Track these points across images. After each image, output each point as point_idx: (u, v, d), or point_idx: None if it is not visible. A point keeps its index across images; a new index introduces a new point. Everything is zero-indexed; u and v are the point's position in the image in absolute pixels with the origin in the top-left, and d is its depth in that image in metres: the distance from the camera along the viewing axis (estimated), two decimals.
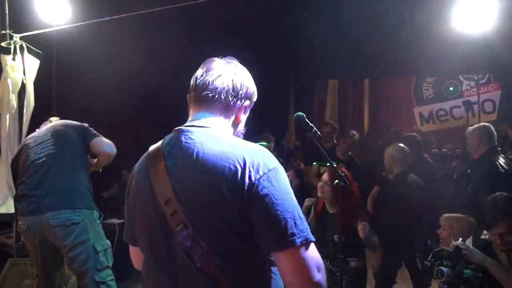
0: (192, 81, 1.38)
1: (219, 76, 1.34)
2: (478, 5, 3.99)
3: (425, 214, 3.87)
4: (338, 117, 9.42)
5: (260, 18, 6.11)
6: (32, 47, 3.76)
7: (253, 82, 1.42)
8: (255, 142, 1.34)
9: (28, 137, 3.09)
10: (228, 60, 1.41)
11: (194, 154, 1.23)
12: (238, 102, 1.36)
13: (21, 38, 3.66)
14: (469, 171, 3.96)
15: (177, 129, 1.34)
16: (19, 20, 3.78)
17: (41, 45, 3.92)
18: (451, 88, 9.33)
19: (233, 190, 1.16)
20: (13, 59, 3.60)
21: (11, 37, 3.63)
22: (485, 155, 3.62)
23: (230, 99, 1.34)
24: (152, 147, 1.37)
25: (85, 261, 2.73)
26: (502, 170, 3.49)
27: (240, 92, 1.36)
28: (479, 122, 6.93)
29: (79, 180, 2.80)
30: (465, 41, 5.19)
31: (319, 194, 2.98)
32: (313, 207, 3.08)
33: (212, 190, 1.17)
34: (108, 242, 2.90)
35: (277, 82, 7.61)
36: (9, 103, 3.62)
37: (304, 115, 2.12)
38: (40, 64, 3.88)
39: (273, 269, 1.23)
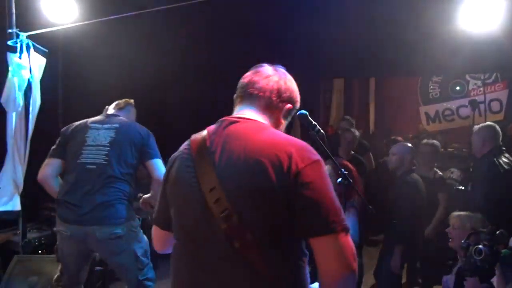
0: (239, 82, 1.49)
1: (266, 77, 1.46)
2: (485, 4, 3.97)
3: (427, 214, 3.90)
4: (344, 117, 9.39)
5: (265, 18, 6.12)
6: (38, 45, 3.79)
7: (298, 90, 1.53)
8: None
9: (89, 123, 3.00)
10: (276, 67, 1.52)
11: (241, 143, 1.29)
12: (281, 103, 1.45)
13: (27, 37, 3.68)
14: (471, 170, 3.93)
15: (222, 120, 1.41)
16: (25, 18, 3.80)
17: (47, 44, 3.94)
18: (457, 88, 9.28)
19: (280, 178, 1.22)
20: (20, 57, 3.63)
21: (18, 36, 3.65)
22: (487, 154, 3.61)
23: (274, 98, 1.44)
24: (195, 136, 1.43)
25: (129, 267, 2.88)
26: (501, 170, 3.46)
27: (284, 95, 1.46)
28: (485, 122, 6.90)
29: (125, 194, 2.83)
30: (472, 40, 5.15)
31: None
32: None
33: (258, 178, 1.23)
34: (146, 239, 2.97)
35: None
36: (16, 101, 3.64)
37: (307, 113, 2.12)
38: (47, 62, 3.90)
39: (304, 258, 1.31)
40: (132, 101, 3.31)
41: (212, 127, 1.41)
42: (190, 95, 5.68)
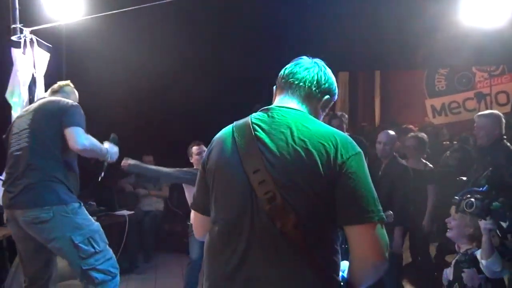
0: (281, 72, 1.53)
1: (306, 68, 1.48)
2: None
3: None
4: (349, 110, 9.35)
5: (269, 12, 6.09)
6: (42, 40, 3.80)
7: (336, 83, 1.55)
8: None
9: (18, 115, 2.98)
10: (316, 60, 1.54)
11: (288, 128, 1.34)
12: (320, 94, 1.48)
13: (31, 32, 3.70)
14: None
15: (267, 108, 1.45)
16: (29, 14, 3.82)
17: (50, 39, 3.96)
18: (464, 80, 9.19)
19: (325, 166, 1.27)
20: (24, 52, 3.65)
21: (21, 31, 3.67)
22: (500, 140, 3.59)
23: (313, 89, 1.47)
24: (238, 121, 1.47)
25: (67, 254, 2.72)
26: None
27: (323, 86, 1.48)
28: None
29: (52, 174, 2.67)
30: (478, 32, 5.10)
31: None
32: None
33: (306, 164, 1.28)
34: (94, 228, 2.80)
35: None
36: (20, 96, 3.67)
37: None
38: (50, 57, 3.92)
39: (338, 243, 1.37)
40: (67, 82, 3.16)
41: (256, 114, 1.45)
42: (195, 89, 5.67)
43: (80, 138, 2.69)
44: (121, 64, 5.02)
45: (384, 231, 1.30)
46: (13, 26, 3.66)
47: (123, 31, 4.81)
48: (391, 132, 3.97)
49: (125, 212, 5.07)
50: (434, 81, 9.58)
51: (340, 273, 1.38)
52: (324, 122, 1.53)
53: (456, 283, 2.52)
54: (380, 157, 3.93)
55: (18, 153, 2.75)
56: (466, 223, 2.72)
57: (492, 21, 4.27)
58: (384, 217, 1.29)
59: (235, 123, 1.47)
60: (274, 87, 1.55)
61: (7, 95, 3.72)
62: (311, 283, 1.28)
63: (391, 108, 10.07)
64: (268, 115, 1.41)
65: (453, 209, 2.93)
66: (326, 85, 1.49)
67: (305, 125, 1.35)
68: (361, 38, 6.50)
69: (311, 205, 1.28)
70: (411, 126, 6.48)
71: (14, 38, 3.62)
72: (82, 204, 2.81)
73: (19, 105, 3.68)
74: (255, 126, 1.38)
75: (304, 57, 1.55)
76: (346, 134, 1.39)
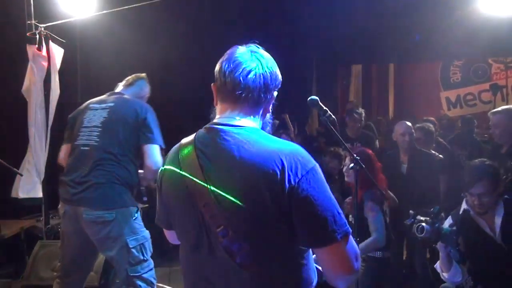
0: (218, 73, 1.33)
1: (249, 72, 1.29)
2: None
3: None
4: (363, 103, 9.29)
5: (283, 4, 6.07)
6: (56, 36, 3.87)
7: (278, 68, 1.38)
8: None
9: (90, 103, 2.89)
10: (252, 49, 1.35)
11: (231, 156, 1.23)
12: (269, 95, 1.34)
13: (45, 28, 3.77)
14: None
15: (209, 128, 1.32)
16: (43, 10, 3.88)
17: (65, 35, 4.02)
18: (479, 72, 9.05)
19: (274, 193, 1.18)
20: (39, 48, 3.72)
21: (36, 27, 3.74)
22: None
23: (262, 96, 1.32)
24: (184, 142, 1.36)
25: (118, 257, 2.72)
26: None
27: (271, 86, 1.33)
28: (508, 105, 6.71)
29: (118, 177, 2.69)
30: (494, 23, 5.02)
31: (346, 179, 3.01)
32: None
33: (252, 194, 1.20)
34: (146, 235, 2.80)
35: (300, 68, 7.55)
36: (36, 91, 3.74)
37: (318, 98, 2.11)
38: (64, 53, 3.99)
39: (306, 255, 1.30)
40: (143, 75, 3.11)
41: (200, 135, 1.34)
42: (205, 83, 5.69)
43: (157, 158, 2.71)
44: (133, 58, 5.06)
45: (351, 242, 1.24)
46: (28, 22, 3.72)
47: (136, 26, 4.85)
48: (408, 123, 3.95)
49: (140, 205, 5.13)
50: (449, 73, 9.45)
51: (320, 269, 1.35)
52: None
53: None
54: (405, 149, 3.87)
55: (85, 148, 2.72)
56: None
57: (508, 11, 4.19)
58: (348, 230, 1.22)
59: (180, 144, 1.36)
60: (212, 84, 1.36)
61: (23, 91, 3.81)
62: None
63: (406, 101, 9.98)
64: (212, 138, 1.29)
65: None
66: (273, 82, 1.34)
67: (249, 150, 1.23)
68: (374, 30, 6.45)
69: (264, 235, 1.22)
70: (432, 118, 6.31)
71: (29, 34, 3.69)
72: (139, 209, 2.84)
73: (34, 100, 3.77)
74: (199, 152, 1.29)
75: (239, 48, 1.35)
76: (296, 148, 1.26)
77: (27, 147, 3.88)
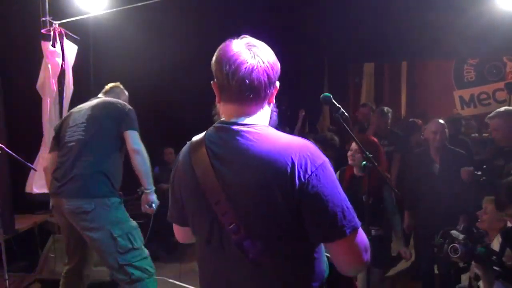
0: (219, 73, 1.30)
1: (252, 70, 1.27)
2: None
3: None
4: (374, 101, 9.22)
5: (294, 3, 6.05)
6: (70, 33, 3.90)
7: (274, 54, 1.35)
8: None
9: (73, 110, 3.10)
10: (247, 43, 1.32)
11: (242, 154, 1.25)
12: (272, 88, 1.34)
13: (60, 25, 3.80)
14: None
15: (219, 127, 1.33)
16: (57, 7, 3.92)
17: (78, 31, 4.05)
18: (494, 71, 8.92)
19: (284, 190, 1.20)
20: (53, 45, 3.75)
21: (51, 24, 3.78)
22: None
23: (267, 91, 1.32)
24: (194, 141, 1.37)
25: (103, 246, 2.79)
26: None
27: (273, 79, 1.33)
28: None
29: (100, 168, 2.80)
30: (510, 20, 4.95)
31: (350, 162, 3.09)
32: (338, 174, 3.16)
33: (263, 191, 1.21)
34: (132, 223, 2.91)
35: (311, 66, 7.52)
36: (50, 87, 3.78)
37: (331, 95, 2.10)
38: (78, 49, 4.02)
39: (317, 249, 1.32)
40: (117, 84, 3.32)
41: (210, 134, 1.35)
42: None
43: (137, 141, 2.89)
44: (146, 55, 5.09)
45: (360, 235, 1.26)
46: (43, 19, 3.77)
47: (149, 23, 4.87)
48: (441, 120, 3.86)
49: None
50: (463, 72, 9.32)
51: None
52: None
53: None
54: (437, 148, 3.73)
55: (71, 144, 2.87)
56: (498, 218, 2.67)
57: None
58: (357, 224, 1.24)
59: (191, 144, 1.38)
60: (212, 83, 1.35)
61: (38, 87, 3.85)
62: None
63: (418, 100, 9.88)
64: (221, 138, 1.30)
65: (486, 202, 2.87)
66: (276, 74, 1.33)
67: (259, 149, 1.24)
68: (387, 28, 6.39)
69: (276, 232, 1.24)
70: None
71: (44, 31, 3.72)
72: (122, 200, 2.93)
73: (49, 96, 3.81)
74: (209, 151, 1.30)
75: (234, 43, 1.31)
76: (305, 144, 1.26)
77: (41, 142, 3.92)
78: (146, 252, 2.93)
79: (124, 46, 4.90)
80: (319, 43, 7.17)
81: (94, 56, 4.67)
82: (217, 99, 1.38)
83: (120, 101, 3.07)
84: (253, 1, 5.49)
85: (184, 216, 1.44)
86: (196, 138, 1.38)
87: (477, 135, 6.86)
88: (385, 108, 4.92)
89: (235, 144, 1.27)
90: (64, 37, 3.82)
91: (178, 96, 5.88)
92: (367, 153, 2.33)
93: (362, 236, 1.27)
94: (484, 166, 3.52)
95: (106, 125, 2.89)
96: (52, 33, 3.74)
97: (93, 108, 2.96)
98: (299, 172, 1.20)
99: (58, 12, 3.88)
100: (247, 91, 1.29)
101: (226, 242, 1.28)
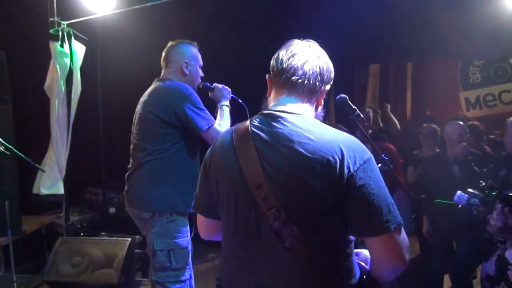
0: (274, 63, 1.38)
1: (307, 61, 1.35)
2: None
3: None
4: (380, 102, 9.20)
5: (299, 4, 6.03)
6: (78, 33, 3.89)
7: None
8: None
9: (141, 99, 2.73)
10: (309, 43, 1.41)
11: (290, 140, 1.25)
12: (323, 86, 1.38)
13: (68, 25, 3.79)
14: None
15: (266, 113, 1.35)
16: (66, 7, 3.90)
17: (86, 32, 4.04)
18: (500, 72, 8.88)
19: (331, 180, 1.20)
20: (61, 45, 3.74)
21: (59, 24, 3.77)
22: None
23: (317, 84, 1.36)
24: (238, 126, 1.38)
25: (149, 255, 2.66)
26: None
27: (325, 77, 1.38)
28: None
29: (153, 174, 2.57)
30: None
31: None
32: None
33: (309, 178, 1.21)
34: (181, 242, 2.60)
35: None
36: (58, 88, 3.77)
37: (347, 97, 2.09)
38: (86, 50, 4.01)
39: (351, 247, 1.32)
40: (177, 42, 2.87)
41: (256, 119, 1.35)
42: (221, 78, 5.69)
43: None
44: (153, 56, 5.06)
45: (403, 233, 1.26)
46: (51, 19, 3.75)
47: (156, 24, 4.84)
48: (461, 123, 3.92)
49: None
50: (469, 73, 9.28)
51: (362, 264, 1.37)
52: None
53: (503, 282, 2.44)
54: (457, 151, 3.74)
55: (131, 147, 2.69)
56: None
57: None
58: (401, 221, 1.24)
59: (234, 127, 1.39)
60: (267, 76, 1.42)
61: (46, 88, 3.84)
62: None
63: (423, 101, 9.85)
64: (268, 123, 1.31)
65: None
66: (328, 74, 1.38)
67: (307, 136, 1.24)
68: (393, 29, 6.37)
69: (317, 219, 1.24)
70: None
71: (52, 31, 3.71)
72: (187, 214, 2.66)
73: (56, 97, 3.79)
74: (254, 135, 1.30)
75: (296, 41, 1.41)
76: (353, 138, 1.29)
77: (49, 143, 3.91)
78: (186, 275, 2.64)
79: (132, 47, 4.89)
80: (324, 45, 7.14)
81: (101, 57, 4.65)
82: (268, 91, 1.42)
83: (174, 88, 2.69)
84: (259, 2, 5.45)
85: (212, 205, 1.42)
86: (239, 124, 1.39)
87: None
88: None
89: (283, 129, 1.28)
90: (73, 38, 3.80)
91: None
92: (383, 156, 2.31)
93: (404, 234, 1.27)
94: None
95: (152, 126, 2.62)
96: (60, 33, 3.73)
97: (144, 104, 2.72)
98: (348, 163, 1.21)
99: (66, 13, 3.86)
100: (298, 77, 1.34)
101: (263, 228, 1.27)
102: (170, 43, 2.85)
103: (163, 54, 2.81)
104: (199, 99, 2.61)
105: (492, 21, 5.30)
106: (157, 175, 2.55)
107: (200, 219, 1.51)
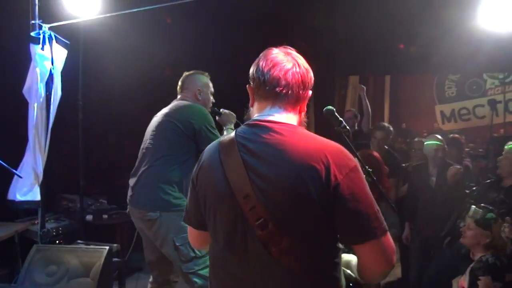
0: (255, 74, 1.39)
1: (288, 70, 1.37)
2: (505, 2, 3.90)
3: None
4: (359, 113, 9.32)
5: (281, 12, 6.09)
6: (60, 37, 3.82)
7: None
8: None
9: (156, 115, 3.13)
10: (287, 50, 1.43)
11: (276, 150, 1.26)
12: (305, 93, 1.41)
13: (50, 28, 3.71)
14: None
15: (252, 123, 1.36)
16: (47, 10, 3.83)
17: (68, 35, 3.97)
18: (474, 87, 9.15)
19: (318, 189, 1.22)
20: (42, 49, 3.66)
21: (40, 27, 3.68)
22: None
23: (300, 92, 1.39)
24: (223, 138, 1.40)
25: (169, 254, 2.87)
26: None
27: (307, 84, 1.41)
28: (504, 122, 6.80)
29: (167, 178, 2.82)
30: (491, 39, 5.05)
31: None
32: None
33: (297, 188, 1.22)
34: None
35: None
36: (38, 92, 3.68)
37: (334, 109, 2.12)
38: (68, 54, 3.93)
39: (339, 255, 1.35)
40: (191, 72, 3.26)
41: (241, 130, 1.36)
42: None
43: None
44: (136, 61, 5.03)
45: (389, 238, 1.29)
46: (32, 22, 3.67)
47: (139, 29, 4.81)
48: (439, 136, 4.13)
49: None
50: (444, 87, 9.54)
51: (348, 272, 1.41)
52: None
53: None
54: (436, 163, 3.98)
55: (143, 151, 2.97)
56: (482, 233, 2.72)
57: (505, 28, 4.23)
58: (386, 227, 1.27)
59: (220, 139, 1.40)
60: (247, 85, 1.43)
61: (25, 91, 3.74)
62: None
63: (400, 114, 10.05)
64: (255, 133, 1.32)
65: (469, 219, 2.91)
66: (309, 80, 1.41)
67: (294, 144, 1.26)
68: (372, 41, 6.50)
69: (305, 229, 1.24)
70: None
71: (33, 34, 3.63)
72: None
73: (36, 101, 3.70)
74: (240, 146, 1.30)
75: (274, 49, 1.42)
76: (339, 147, 1.31)
77: (25, 148, 3.80)
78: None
79: (115, 52, 4.84)
80: (304, 56, 7.21)
81: (83, 61, 4.58)
82: (250, 102, 1.43)
83: (194, 110, 3.07)
84: (243, 9, 5.48)
85: (201, 218, 1.42)
86: (225, 136, 1.41)
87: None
88: (386, 125, 4.84)
89: (269, 139, 1.29)
90: (54, 41, 3.73)
91: (169, 99, 5.82)
92: (367, 167, 2.33)
93: (390, 238, 1.30)
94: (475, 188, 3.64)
95: (169, 134, 2.96)
96: (41, 36, 3.65)
97: (164, 115, 3.06)
98: (334, 172, 1.22)
99: (48, 16, 3.79)
100: (281, 87, 1.35)
101: (250, 239, 1.27)
102: (185, 73, 3.25)
103: (179, 82, 3.22)
104: (213, 121, 3.00)
105: (468, 38, 5.46)
106: (165, 177, 2.81)
107: (191, 230, 1.53)
